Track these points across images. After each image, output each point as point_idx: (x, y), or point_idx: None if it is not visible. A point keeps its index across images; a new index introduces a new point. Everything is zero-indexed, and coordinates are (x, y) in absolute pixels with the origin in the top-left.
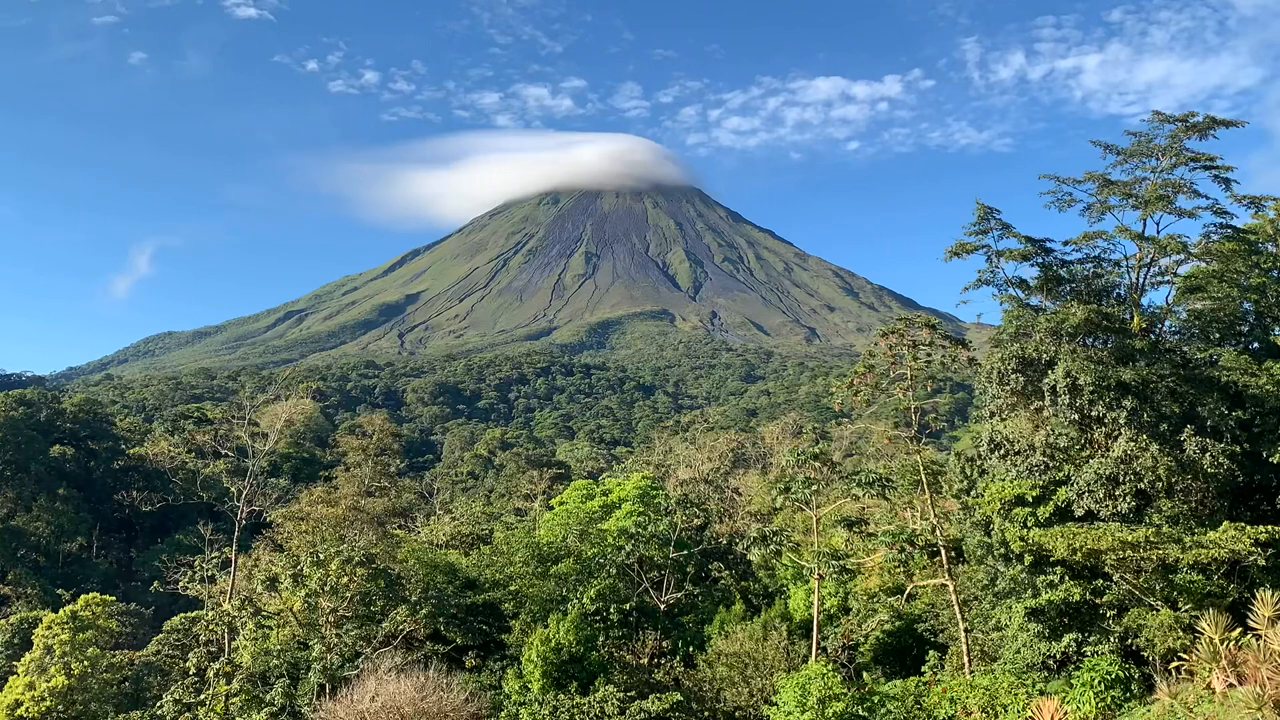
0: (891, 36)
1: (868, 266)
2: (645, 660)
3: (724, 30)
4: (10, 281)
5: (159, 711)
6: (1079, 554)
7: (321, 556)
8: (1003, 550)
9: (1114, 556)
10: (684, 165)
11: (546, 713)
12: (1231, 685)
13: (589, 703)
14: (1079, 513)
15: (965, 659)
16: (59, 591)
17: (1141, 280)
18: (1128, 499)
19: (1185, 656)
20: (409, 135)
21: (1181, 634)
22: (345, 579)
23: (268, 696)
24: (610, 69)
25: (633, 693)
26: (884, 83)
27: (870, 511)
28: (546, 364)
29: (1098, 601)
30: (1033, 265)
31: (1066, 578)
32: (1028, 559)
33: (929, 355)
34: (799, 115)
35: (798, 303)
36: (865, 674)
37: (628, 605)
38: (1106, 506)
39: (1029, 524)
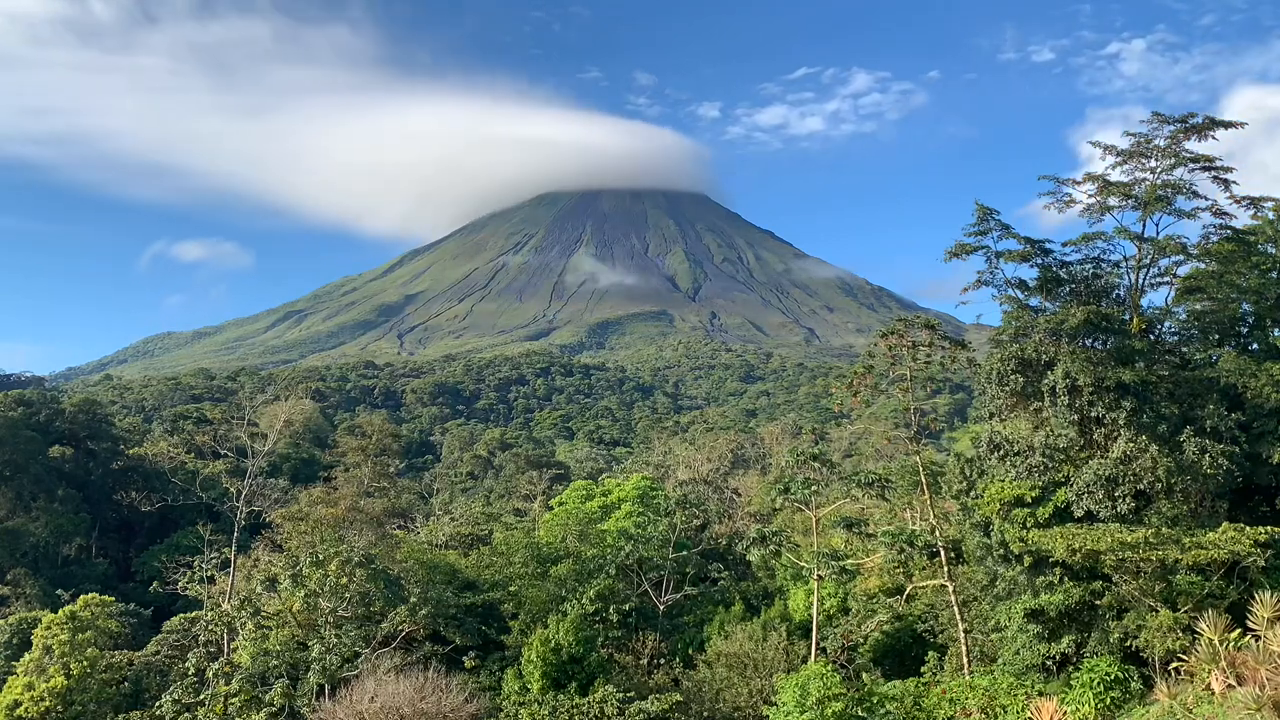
0: (927, 27)
1: (869, 267)
2: (645, 661)
3: (755, 23)
4: (10, 281)
5: (158, 712)
6: (1078, 555)
7: (321, 557)
8: (1002, 551)
9: (1113, 557)
10: (699, 160)
11: (546, 713)
12: (1231, 686)
13: (588, 703)
14: (1078, 514)
15: (964, 660)
16: (58, 592)
17: (1141, 281)
18: (1127, 500)
19: (1184, 658)
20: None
21: (1180, 635)
22: (344, 579)
23: (267, 697)
24: (628, 59)
25: (632, 693)
26: (915, 76)
27: (870, 512)
28: (546, 364)
29: (1097, 603)
30: (1032, 266)
31: (1066, 579)
32: (1027, 560)
33: (928, 356)
34: (826, 109)
35: (797, 303)
36: (865, 674)
37: (627, 606)
38: (1106, 507)
39: (1028, 525)
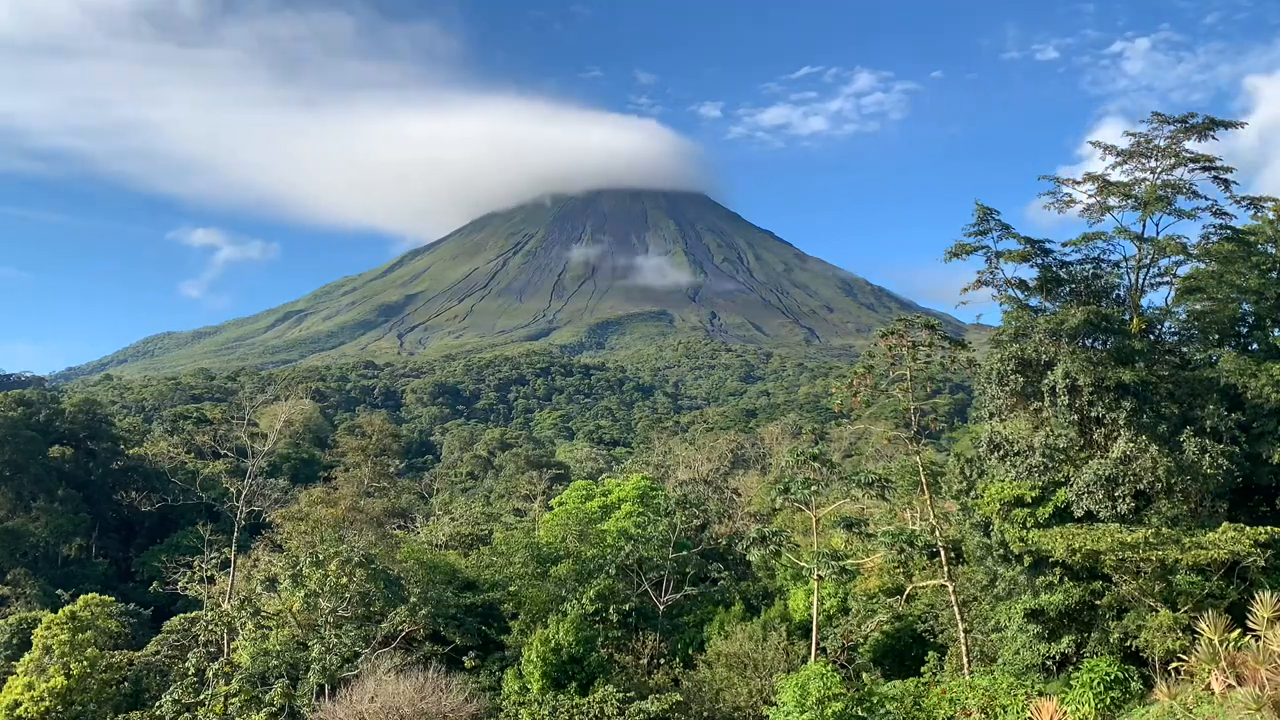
0: (930, 26)
1: (869, 267)
2: (645, 661)
3: (758, 22)
4: (10, 281)
5: (158, 712)
6: (1078, 555)
7: (321, 557)
8: (1002, 551)
9: (1113, 558)
10: (699, 160)
11: (546, 713)
12: (1231, 686)
13: (588, 703)
14: (1078, 514)
15: (964, 660)
16: (58, 592)
17: (1141, 281)
18: (1127, 500)
19: (1184, 658)
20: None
21: (1180, 635)
22: (344, 579)
23: (267, 697)
24: (629, 58)
25: (632, 693)
26: (918, 76)
27: (870, 512)
28: (546, 364)
29: (1097, 603)
30: (1032, 266)
31: (1065, 579)
32: (1027, 560)
33: (928, 356)
34: (829, 109)
35: (797, 303)
36: (865, 675)
37: (627, 606)
38: (1106, 507)
39: (1028, 525)
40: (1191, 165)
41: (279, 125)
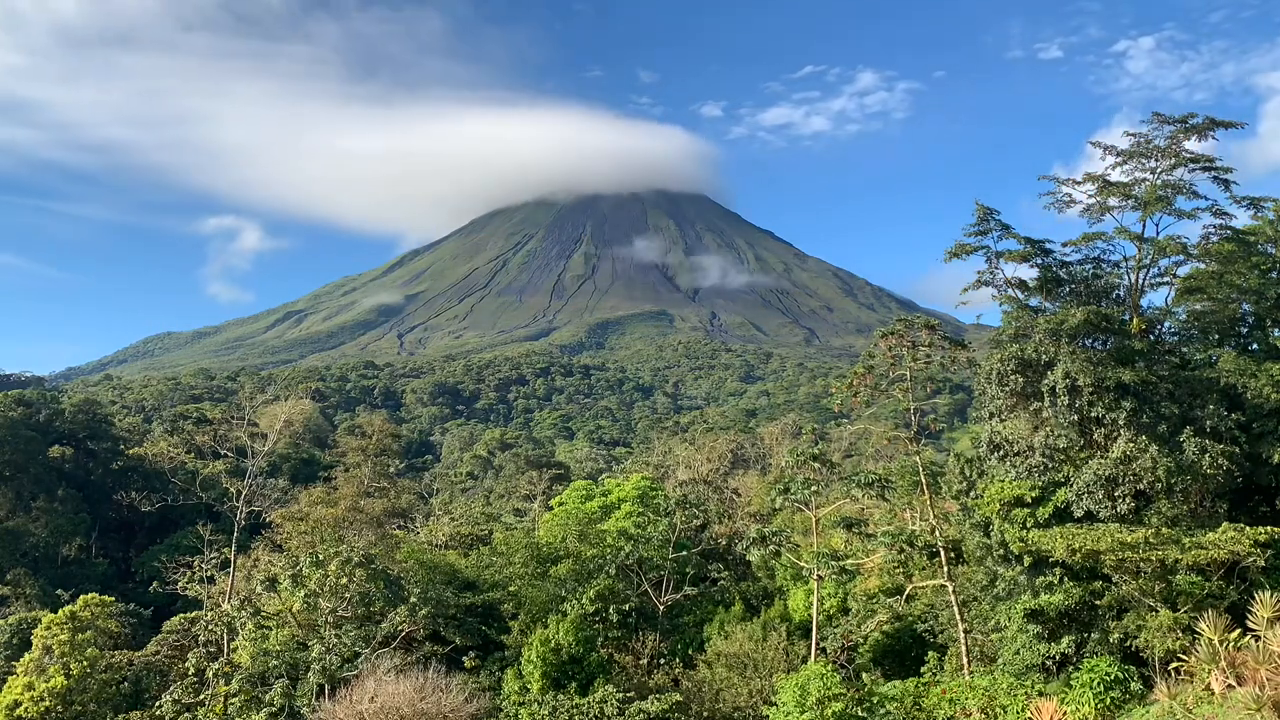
0: (933, 24)
1: (869, 267)
2: (645, 661)
3: (760, 21)
4: (30, 276)
5: (158, 712)
6: (1078, 555)
7: (320, 557)
8: (1002, 551)
9: (1113, 558)
10: (700, 160)
11: (546, 713)
12: (1231, 686)
13: (588, 703)
14: (1078, 514)
15: (964, 660)
16: (58, 592)
17: (1141, 281)
18: (1127, 500)
19: (1184, 658)
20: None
21: (1180, 635)
22: (344, 579)
23: (267, 697)
24: (631, 57)
25: (632, 693)
26: (922, 75)
27: (870, 512)
28: (546, 364)
29: (1097, 603)
30: (1032, 266)
31: (1066, 579)
32: (1027, 560)
33: (928, 356)
34: (832, 108)
35: (797, 303)
36: (864, 675)
37: (627, 606)
38: (1106, 508)
39: (1028, 525)
40: (1191, 165)
41: (337, 121)
